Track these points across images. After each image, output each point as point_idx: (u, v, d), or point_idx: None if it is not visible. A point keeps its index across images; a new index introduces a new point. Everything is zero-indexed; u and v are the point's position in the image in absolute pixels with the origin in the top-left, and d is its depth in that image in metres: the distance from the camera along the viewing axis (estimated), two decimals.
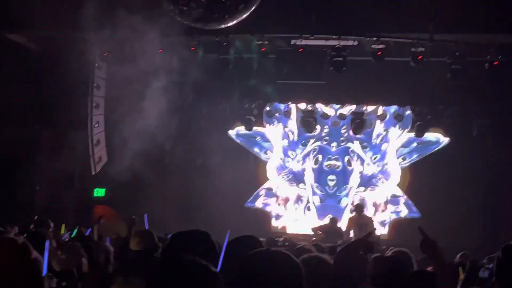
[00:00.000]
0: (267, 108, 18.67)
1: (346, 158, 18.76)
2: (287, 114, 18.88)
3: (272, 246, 7.22)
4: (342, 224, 16.26)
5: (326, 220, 16.50)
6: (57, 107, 16.05)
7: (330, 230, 15.29)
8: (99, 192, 17.94)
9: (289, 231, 18.24)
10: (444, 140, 18.06)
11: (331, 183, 18.71)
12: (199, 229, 3.77)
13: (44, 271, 2.91)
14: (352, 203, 17.87)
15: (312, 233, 16.34)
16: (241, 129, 19.07)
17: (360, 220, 15.35)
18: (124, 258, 6.64)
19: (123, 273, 5.36)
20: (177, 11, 8.45)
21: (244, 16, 8.54)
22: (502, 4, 12.96)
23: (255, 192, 19.18)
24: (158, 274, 2.40)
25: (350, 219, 15.76)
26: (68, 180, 16.60)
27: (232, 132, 19.30)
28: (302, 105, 18.40)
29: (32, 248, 2.83)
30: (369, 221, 15.61)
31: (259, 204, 19.16)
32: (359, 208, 15.81)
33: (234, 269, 2.72)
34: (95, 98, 16.66)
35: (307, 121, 18.12)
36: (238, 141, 19.33)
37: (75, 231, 9.90)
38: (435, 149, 18.19)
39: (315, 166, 18.94)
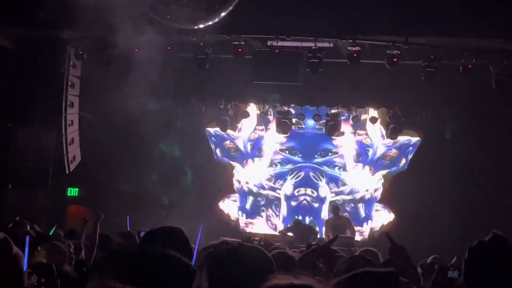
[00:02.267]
0: (243, 109, 18.63)
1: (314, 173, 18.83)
2: (262, 115, 18.84)
3: None
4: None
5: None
6: (31, 106, 15.93)
7: (296, 231, 15.41)
8: (72, 191, 17.83)
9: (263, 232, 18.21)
10: (414, 139, 18.19)
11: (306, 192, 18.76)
12: (172, 226, 3.80)
13: (25, 266, 2.92)
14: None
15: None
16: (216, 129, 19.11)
17: (337, 221, 15.48)
18: (104, 258, 6.66)
19: (102, 273, 5.35)
20: (156, 11, 8.45)
21: (222, 16, 8.55)
22: (477, 8, 13.10)
23: (229, 195, 19.16)
24: (135, 266, 2.40)
25: (327, 221, 15.91)
26: (42, 179, 16.45)
27: (208, 130, 19.30)
28: (278, 106, 18.37)
29: (12, 243, 2.83)
30: (346, 222, 15.73)
31: (232, 206, 19.13)
32: (335, 209, 15.93)
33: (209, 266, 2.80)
34: (70, 97, 16.56)
35: (283, 122, 18.10)
36: (212, 139, 19.33)
37: (53, 230, 9.88)
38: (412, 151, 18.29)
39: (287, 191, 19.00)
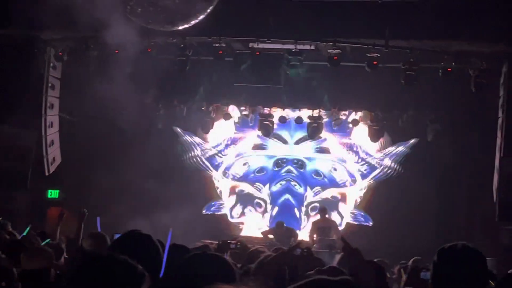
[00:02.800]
0: (224, 111, 18.59)
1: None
2: (244, 117, 18.82)
3: (224, 250, 7.28)
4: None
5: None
6: (11, 107, 15.82)
7: (278, 233, 15.45)
8: (53, 193, 17.73)
9: (247, 234, 18.20)
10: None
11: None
12: (140, 231, 3.77)
13: None
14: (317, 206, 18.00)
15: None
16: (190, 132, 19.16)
17: (324, 223, 15.52)
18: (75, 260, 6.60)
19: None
20: (134, 12, 8.45)
21: (201, 17, 8.55)
22: (456, 11, 13.20)
23: (214, 197, 19.15)
24: (77, 271, 2.41)
25: (314, 223, 15.93)
26: (21, 181, 16.34)
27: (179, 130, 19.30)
28: (260, 108, 18.35)
29: None
30: (333, 224, 15.80)
31: (216, 207, 19.11)
32: (322, 211, 15.96)
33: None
34: (50, 98, 16.46)
35: (265, 124, 18.07)
36: (185, 138, 19.30)
37: (27, 230, 9.79)
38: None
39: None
